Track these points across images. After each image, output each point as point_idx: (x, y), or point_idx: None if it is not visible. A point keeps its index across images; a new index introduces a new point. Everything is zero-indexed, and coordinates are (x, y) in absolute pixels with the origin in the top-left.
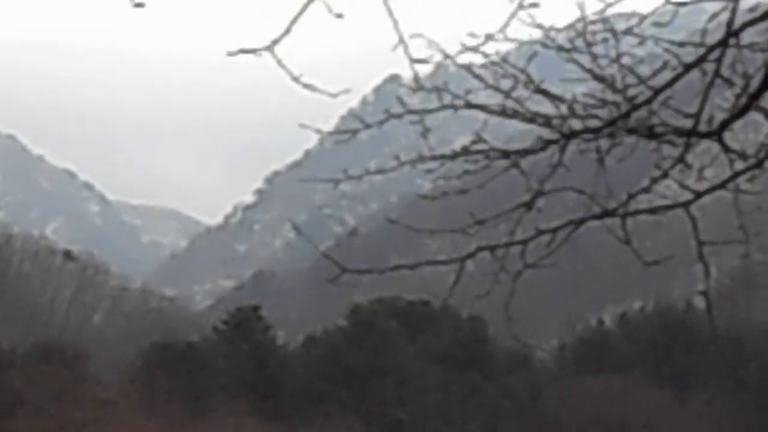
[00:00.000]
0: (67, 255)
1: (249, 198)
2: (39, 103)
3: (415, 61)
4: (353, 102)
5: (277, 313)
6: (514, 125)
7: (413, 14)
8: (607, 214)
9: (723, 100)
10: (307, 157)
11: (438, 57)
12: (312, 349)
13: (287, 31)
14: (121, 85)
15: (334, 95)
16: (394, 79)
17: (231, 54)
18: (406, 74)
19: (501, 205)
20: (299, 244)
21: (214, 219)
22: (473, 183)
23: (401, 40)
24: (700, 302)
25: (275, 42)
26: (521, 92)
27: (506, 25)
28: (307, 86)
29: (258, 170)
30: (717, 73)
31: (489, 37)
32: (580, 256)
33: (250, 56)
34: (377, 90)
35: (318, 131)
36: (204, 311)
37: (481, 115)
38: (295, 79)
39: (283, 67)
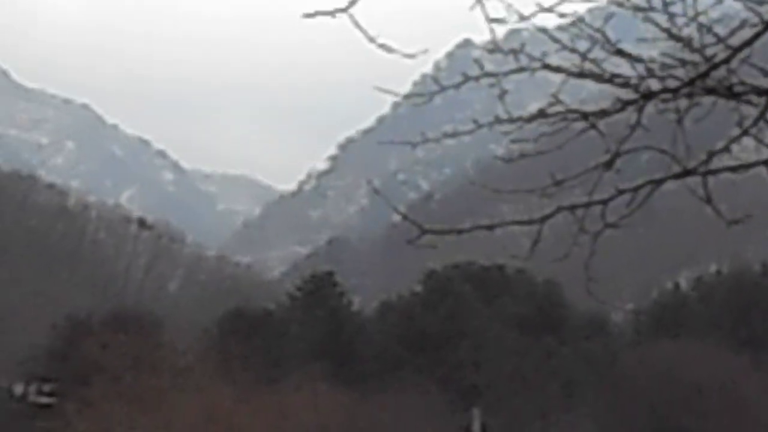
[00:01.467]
0: (142, 223)
1: (322, 164)
2: (113, 72)
3: (492, 20)
4: (426, 68)
5: (351, 279)
6: (588, 89)
7: None
8: (687, 173)
9: None
10: (380, 124)
11: (513, 18)
12: (387, 315)
13: None
14: (195, 53)
15: (411, 56)
16: (467, 44)
17: (307, 16)
18: (479, 39)
19: (575, 169)
20: (373, 210)
21: (288, 186)
22: (550, 145)
23: (479, 0)
24: None
25: (352, 3)
26: (598, 53)
27: None
28: (383, 47)
29: (331, 137)
30: None
31: None
32: (655, 220)
33: (325, 20)
34: (450, 55)
35: (394, 94)
36: (278, 278)
37: (555, 78)
38: (372, 40)
39: (360, 28)
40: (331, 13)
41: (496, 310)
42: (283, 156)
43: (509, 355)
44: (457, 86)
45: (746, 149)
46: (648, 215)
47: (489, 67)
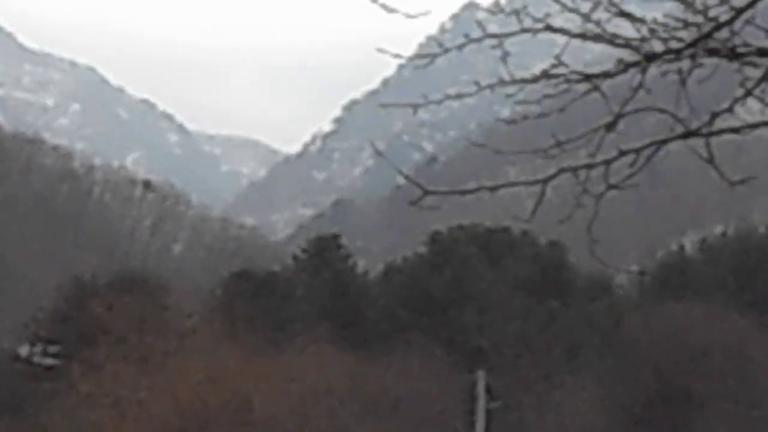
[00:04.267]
0: (147, 185)
1: (327, 126)
2: (117, 35)
3: None
4: (431, 30)
5: (356, 242)
6: (592, 51)
7: None
8: (690, 134)
9: None
10: (385, 86)
11: None
12: (392, 277)
13: None
14: (200, 16)
15: (412, 16)
16: (472, 6)
17: None
18: (485, 1)
19: (581, 130)
20: (378, 172)
21: (293, 148)
22: (553, 107)
23: None
24: None
25: None
26: (601, 15)
27: None
28: (384, 7)
29: (336, 99)
30: None
31: None
32: (660, 182)
33: None
34: (455, 17)
35: (397, 56)
36: (284, 240)
37: (559, 40)
38: (374, 0)
39: None
40: None
41: (501, 272)
42: (288, 118)
43: (513, 318)
44: (459, 47)
45: (751, 111)
46: (653, 177)
47: (494, 28)
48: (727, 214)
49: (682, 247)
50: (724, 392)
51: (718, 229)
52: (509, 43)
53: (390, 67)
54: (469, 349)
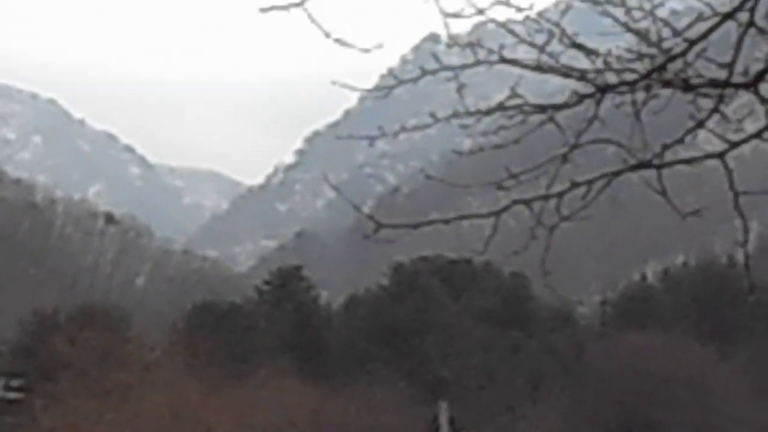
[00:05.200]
0: (109, 218)
1: (290, 158)
2: (79, 68)
3: (447, 15)
4: (393, 62)
5: (319, 273)
6: (554, 82)
7: None
8: (642, 165)
9: (762, 51)
10: (346, 117)
11: (471, 12)
12: (354, 309)
13: None
14: (159, 48)
15: (366, 50)
16: (433, 37)
17: (264, 10)
18: (445, 33)
19: (539, 161)
20: (340, 203)
21: (255, 180)
22: (510, 139)
23: None
24: (742, 257)
25: None
26: (556, 47)
27: None
28: (338, 42)
29: (298, 130)
30: (751, 23)
31: None
32: (622, 212)
33: (293, 14)
34: (416, 49)
35: (353, 88)
36: (246, 272)
37: (520, 72)
38: (327, 35)
39: (314, 22)
40: (286, 8)
41: (464, 303)
42: (251, 150)
43: (476, 349)
44: (415, 80)
45: (711, 142)
46: (615, 207)
47: (454, 60)
48: (689, 244)
49: (644, 277)
50: (685, 422)
51: (680, 259)
52: (471, 75)
53: (351, 99)
54: (432, 380)
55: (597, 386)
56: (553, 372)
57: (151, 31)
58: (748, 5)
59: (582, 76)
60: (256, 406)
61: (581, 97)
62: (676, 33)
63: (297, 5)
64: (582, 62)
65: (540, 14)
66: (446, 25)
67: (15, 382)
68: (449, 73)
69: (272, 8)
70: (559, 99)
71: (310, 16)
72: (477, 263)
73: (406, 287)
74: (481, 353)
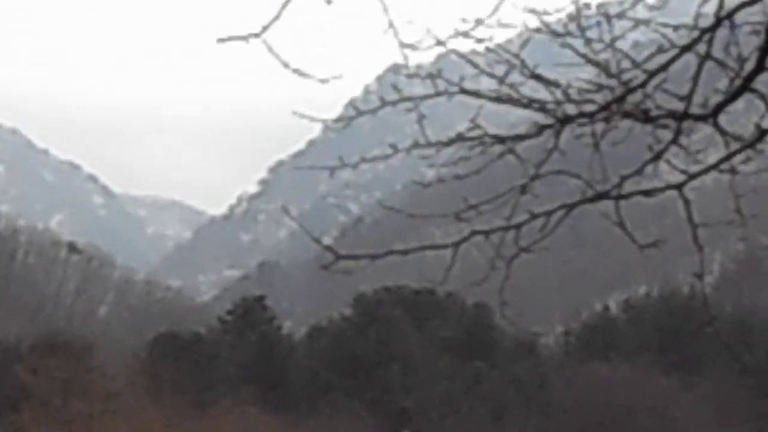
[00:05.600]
0: (72, 247)
1: (253, 188)
2: (40, 97)
3: (405, 46)
4: (356, 92)
5: (282, 303)
6: (517, 113)
7: (409, 1)
8: (600, 197)
9: (720, 83)
10: (310, 147)
11: (431, 43)
12: (317, 339)
13: (277, 17)
14: (120, 78)
15: (324, 80)
16: (397, 68)
17: (221, 41)
18: (412, 62)
19: (501, 191)
20: (303, 234)
21: (219, 209)
22: (471, 169)
23: (391, 25)
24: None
25: (265, 28)
26: (517, 78)
27: (497, 9)
28: (296, 72)
29: (262, 160)
30: (708, 55)
31: (479, 22)
32: (585, 242)
33: (255, 45)
34: (379, 79)
35: (314, 119)
36: (209, 302)
37: (487, 103)
38: (285, 65)
39: (273, 53)
40: (244, 38)
41: (427, 333)
42: (214, 180)
43: (439, 379)
44: (374, 111)
45: (673, 172)
46: (578, 238)
47: (418, 90)
48: (652, 275)
49: (606, 308)
50: None
51: (643, 290)
52: (435, 105)
53: (315, 130)
54: (395, 409)
55: (560, 416)
56: (516, 402)
57: (115, 60)
58: (706, 38)
59: (542, 107)
60: None
61: (541, 128)
62: (636, 65)
63: (255, 36)
64: (542, 93)
65: (501, 46)
66: (405, 57)
67: None
68: (410, 104)
69: (230, 38)
70: (522, 130)
71: (268, 47)
72: (440, 293)
73: (368, 317)
74: (444, 383)
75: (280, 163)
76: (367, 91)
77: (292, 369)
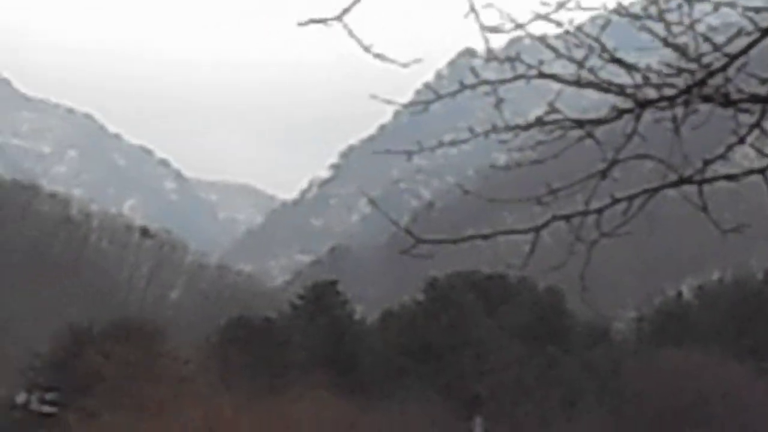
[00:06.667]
0: (144, 232)
1: (325, 173)
2: (116, 83)
3: (486, 29)
4: (428, 76)
5: (354, 288)
6: (590, 97)
7: None
8: (683, 181)
9: None
10: (382, 132)
11: (509, 27)
12: (389, 324)
13: (357, 0)
14: (192, 64)
15: (405, 65)
16: (469, 52)
17: (301, 24)
18: (481, 48)
19: (577, 176)
20: (375, 218)
21: (290, 194)
22: (548, 154)
23: (472, 9)
24: None
25: (345, 11)
26: (595, 62)
27: None
28: (377, 56)
29: (333, 145)
30: None
31: (560, 5)
32: (658, 228)
33: (326, 30)
34: (452, 64)
35: (390, 102)
36: (281, 286)
37: (556, 87)
38: (366, 49)
39: (353, 36)
40: (324, 21)
41: (499, 318)
42: (286, 165)
43: (511, 364)
44: (453, 94)
45: (748, 157)
46: (651, 223)
47: (491, 75)
48: (725, 261)
49: (680, 294)
50: None
51: (716, 276)
52: (507, 90)
53: (387, 114)
54: (467, 395)
55: (633, 403)
56: (589, 388)
57: (189, 46)
58: None
59: (621, 91)
60: (291, 421)
61: (620, 112)
62: (716, 48)
63: (336, 19)
64: (621, 77)
65: (578, 29)
66: (485, 40)
67: (50, 396)
68: (486, 88)
69: (310, 21)
70: (595, 114)
71: (349, 30)
72: (512, 278)
73: (440, 302)
74: (516, 369)
75: (352, 148)
76: (439, 76)
77: (363, 354)
